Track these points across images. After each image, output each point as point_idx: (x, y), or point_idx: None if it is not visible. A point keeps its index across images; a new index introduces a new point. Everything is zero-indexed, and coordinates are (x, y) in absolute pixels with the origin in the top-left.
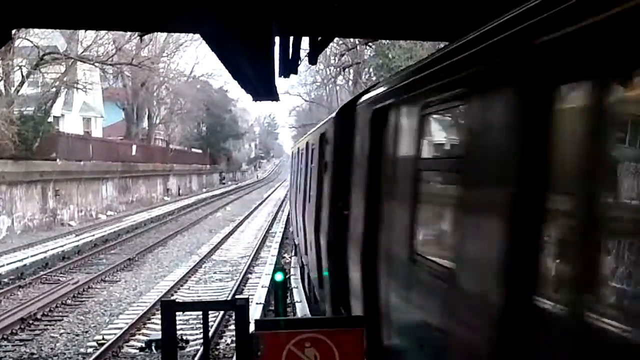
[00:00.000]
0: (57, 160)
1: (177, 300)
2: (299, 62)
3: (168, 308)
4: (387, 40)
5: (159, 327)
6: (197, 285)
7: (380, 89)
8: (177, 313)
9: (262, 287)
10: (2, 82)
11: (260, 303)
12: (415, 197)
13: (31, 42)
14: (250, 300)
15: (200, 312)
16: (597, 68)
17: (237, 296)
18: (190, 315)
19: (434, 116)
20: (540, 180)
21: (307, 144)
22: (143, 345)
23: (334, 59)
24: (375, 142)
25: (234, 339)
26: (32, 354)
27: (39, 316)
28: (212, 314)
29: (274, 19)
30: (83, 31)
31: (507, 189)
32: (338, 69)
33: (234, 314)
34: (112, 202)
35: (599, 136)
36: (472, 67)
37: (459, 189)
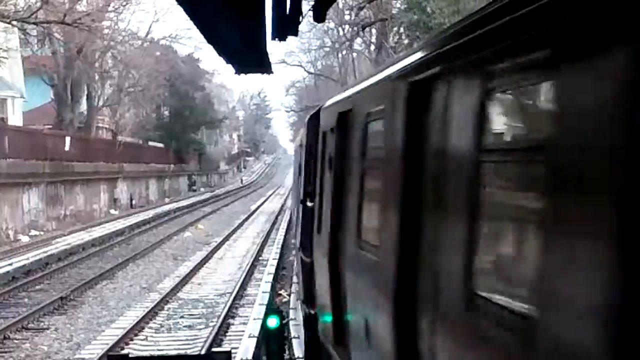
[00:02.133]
0: None
1: (131, 356)
2: (301, 19)
3: None
4: None
5: None
6: (157, 335)
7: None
8: None
9: (250, 336)
10: None
11: (247, 359)
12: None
13: None
14: (232, 355)
15: None
16: None
17: (215, 349)
18: None
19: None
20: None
21: (301, 141)
22: None
23: (350, 15)
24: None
25: None
26: None
27: None
28: None
29: None
30: None
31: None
32: (355, 29)
33: None
34: (36, 217)
35: None
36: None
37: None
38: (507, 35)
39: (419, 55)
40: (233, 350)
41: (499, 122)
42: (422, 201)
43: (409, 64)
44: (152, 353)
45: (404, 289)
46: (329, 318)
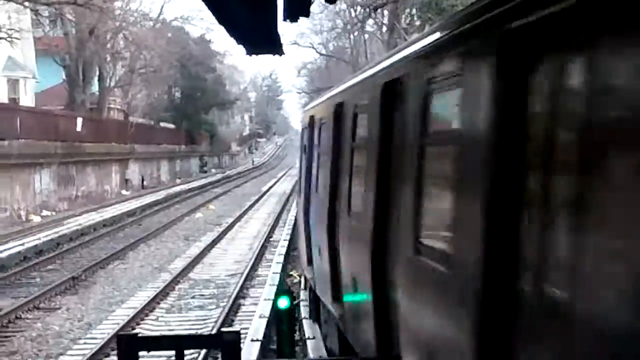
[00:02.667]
0: None
1: (141, 335)
2: (312, 0)
3: (128, 345)
4: None
5: None
6: (167, 315)
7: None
8: (141, 353)
9: (261, 317)
10: None
11: (257, 340)
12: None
13: None
14: (243, 335)
15: (173, 352)
16: None
17: (224, 329)
18: (160, 356)
19: None
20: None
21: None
22: None
23: None
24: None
25: None
26: None
27: None
28: (190, 355)
29: None
30: None
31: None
32: (367, 10)
33: (220, 355)
34: (48, 197)
35: None
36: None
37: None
38: (441, 50)
39: (389, 61)
40: (244, 331)
41: (440, 116)
42: (388, 178)
43: (382, 68)
44: (163, 333)
45: (378, 241)
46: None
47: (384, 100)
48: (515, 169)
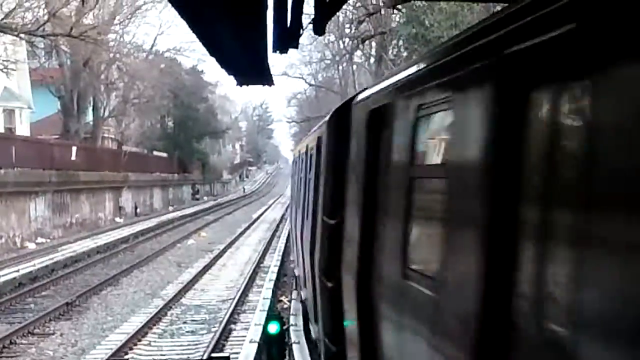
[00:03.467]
0: None
1: None
2: (301, 32)
3: None
4: (423, 1)
5: None
6: (160, 340)
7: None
8: None
9: (251, 342)
10: None
11: None
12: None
13: None
14: (233, 359)
15: None
16: None
17: (214, 355)
18: None
19: None
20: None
21: (306, 147)
22: None
23: (350, 28)
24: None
25: None
26: None
27: None
28: None
29: None
30: None
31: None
32: (355, 42)
33: None
34: (43, 225)
35: None
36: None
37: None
38: (413, 84)
39: (375, 89)
40: (234, 356)
41: (423, 141)
42: (372, 200)
43: (368, 95)
44: (155, 358)
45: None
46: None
47: (369, 127)
48: (506, 199)
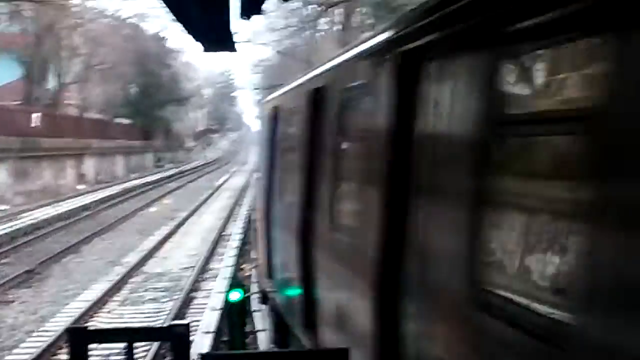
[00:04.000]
0: None
1: (91, 328)
2: None
3: (78, 337)
4: None
5: None
6: (121, 308)
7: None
8: (91, 345)
9: (213, 310)
10: None
11: (210, 332)
12: None
13: None
14: (195, 327)
15: (124, 344)
16: None
17: (174, 322)
18: (112, 349)
19: None
20: None
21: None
22: None
23: None
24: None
25: None
26: None
27: None
28: (140, 348)
29: None
30: None
31: None
32: (321, 8)
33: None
34: (4, 192)
35: None
36: None
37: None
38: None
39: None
40: (196, 324)
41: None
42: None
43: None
44: (117, 326)
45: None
46: None
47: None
48: (404, 162)
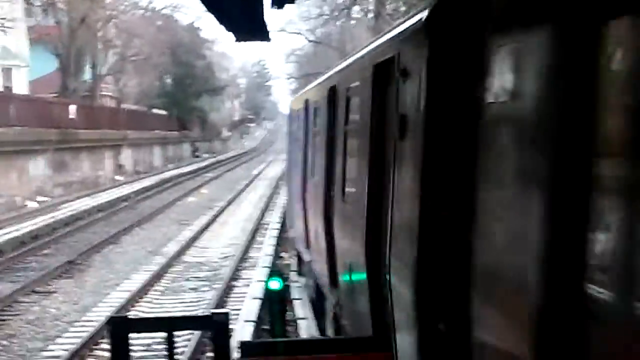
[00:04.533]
0: None
1: (131, 317)
2: None
3: (119, 327)
4: None
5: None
6: (162, 298)
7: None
8: (132, 334)
9: (254, 298)
10: None
11: (251, 320)
12: None
13: None
14: (235, 316)
15: (164, 334)
16: None
17: (214, 310)
18: (153, 338)
19: None
20: None
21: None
22: None
23: None
24: None
25: None
26: None
27: None
28: (181, 337)
29: None
30: None
31: None
32: None
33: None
34: (44, 183)
35: None
36: None
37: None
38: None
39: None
40: (236, 312)
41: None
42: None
43: (328, 77)
44: (158, 315)
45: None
46: None
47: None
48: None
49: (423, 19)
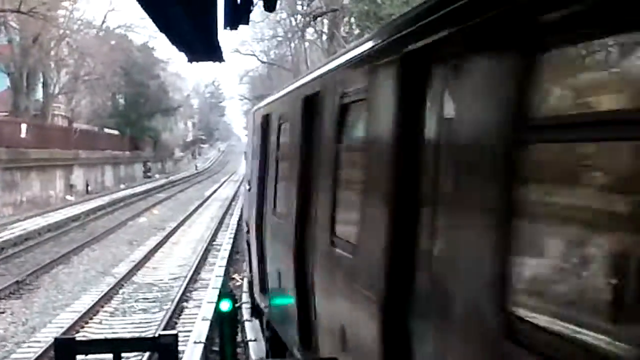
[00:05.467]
0: None
1: (78, 339)
2: (252, 8)
3: (66, 349)
4: None
5: None
6: (112, 319)
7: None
8: (80, 356)
9: (204, 319)
10: None
11: (200, 342)
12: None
13: None
14: (186, 337)
15: (111, 355)
16: None
17: (162, 332)
18: None
19: None
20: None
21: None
22: None
23: (302, 5)
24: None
25: None
26: None
27: None
28: (130, 359)
29: None
30: None
31: None
32: (307, 19)
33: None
34: None
35: None
36: None
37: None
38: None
39: (308, 78)
40: (186, 333)
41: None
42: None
43: (302, 84)
44: (106, 336)
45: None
46: None
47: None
48: (410, 170)
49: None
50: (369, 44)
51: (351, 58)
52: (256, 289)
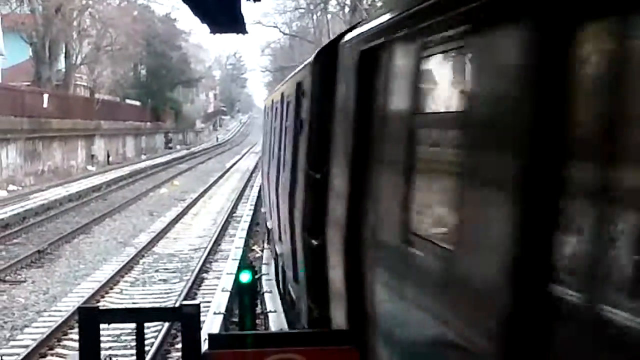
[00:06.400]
0: None
1: (101, 308)
2: None
3: (89, 317)
4: None
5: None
6: (132, 289)
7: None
8: (103, 325)
9: (223, 290)
10: None
11: (220, 313)
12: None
13: None
14: (205, 308)
15: (134, 325)
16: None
17: (184, 302)
18: (123, 329)
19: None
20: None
21: (282, 95)
22: None
23: None
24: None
25: None
26: None
27: None
28: (150, 328)
29: None
30: None
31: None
32: None
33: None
34: (14, 172)
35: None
36: None
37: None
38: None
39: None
40: (207, 304)
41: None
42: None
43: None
44: (127, 306)
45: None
46: None
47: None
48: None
49: (311, 61)
50: None
51: None
52: (289, 275)
